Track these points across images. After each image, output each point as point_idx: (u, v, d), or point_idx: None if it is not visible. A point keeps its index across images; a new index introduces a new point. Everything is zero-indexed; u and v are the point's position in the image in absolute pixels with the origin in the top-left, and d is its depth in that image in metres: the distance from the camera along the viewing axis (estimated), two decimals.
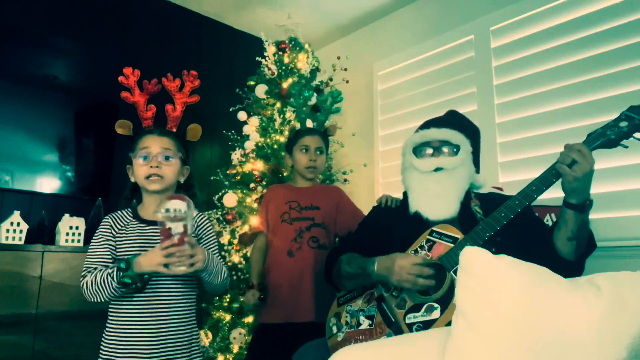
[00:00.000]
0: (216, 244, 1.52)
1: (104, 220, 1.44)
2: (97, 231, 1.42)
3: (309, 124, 2.18)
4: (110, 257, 1.37)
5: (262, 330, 1.92)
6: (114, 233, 1.40)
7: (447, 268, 1.28)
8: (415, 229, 1.42)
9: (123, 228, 1.41)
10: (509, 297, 0.83)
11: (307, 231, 1.94)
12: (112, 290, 1.28)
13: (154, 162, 1.40)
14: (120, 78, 1.49)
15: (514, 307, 0.82)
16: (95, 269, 1.33)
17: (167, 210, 1.20)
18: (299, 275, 1.89)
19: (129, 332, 1.33)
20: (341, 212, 2.03)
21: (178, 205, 1.21)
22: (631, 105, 1.23)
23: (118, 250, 1.39)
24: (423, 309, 1.26)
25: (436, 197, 1.42)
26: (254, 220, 2.12)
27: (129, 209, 1.47)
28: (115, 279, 1.27)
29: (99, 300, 1.31)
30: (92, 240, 1.41)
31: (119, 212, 1.46)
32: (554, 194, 1.31)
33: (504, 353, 0.80)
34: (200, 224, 1.50)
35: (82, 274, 1.34)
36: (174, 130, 1.52)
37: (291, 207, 1.98)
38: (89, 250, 1.39)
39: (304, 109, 2.38)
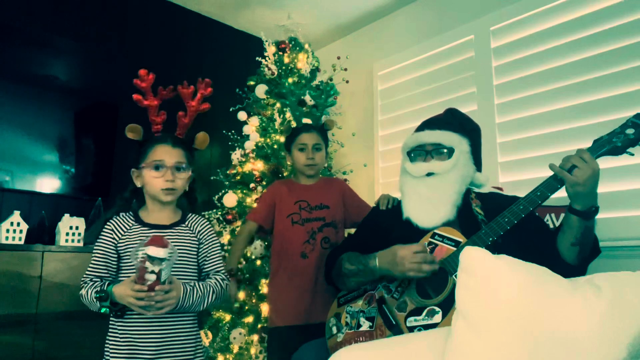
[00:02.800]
0: (219, 252, 1.51)
1: (107, 224, 1.43)
2: (99, 237, 1.42)
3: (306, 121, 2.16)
4: (105, 269, 1.38)
5: (279, 334, 1.88)
6: (118, 238, 1.40)
7: (449, 272, 1.28)
8: (411, 232, 1.41)
9: (126, 232, 1.41)
10: (509, 297, 0.83)
11: (319, 232, 1.91)
12: (98, 311, 1.31)
13: (168, 175, 1.41)
14: (135, 81, 1.48)
15: (514, 307, 0.82)
16: (91, 280, 1.35)
17: (149, 257, 1.19)
18: (314, 277, 1.87)
19: (133, 335, 1.33)
20: (346, 206, 2.02)
21: (156, 252, 1.19)
22: (638, 113, 1.21)
23: (124, 255, 1.39)
24: (424, 313, 1.25)
25: (427, 204, 1.41)
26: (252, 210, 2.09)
27: (130, 213, 1.46)
28: (97, 304, 1.29)
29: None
30: (94, 247, 1.41)
31: (120, 216, 1.45)
32: (554, 195, 1.30)
33: (504, 353, 0.80)
34: (202, 230, 1.49)
35: (81, 283, 1.35)
36: (182, 137, 1.52)
37: (301, 207, 1.95)
38: (91, 256, 1.39)
39: (298, 105, 2.37)
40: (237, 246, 2.00)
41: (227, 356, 2.35)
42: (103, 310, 1.28)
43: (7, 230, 2.21)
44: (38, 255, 2.16)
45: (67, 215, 2.40)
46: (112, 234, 1.40)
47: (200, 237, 1.48)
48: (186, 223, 1.48)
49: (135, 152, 1.47)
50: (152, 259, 1.20)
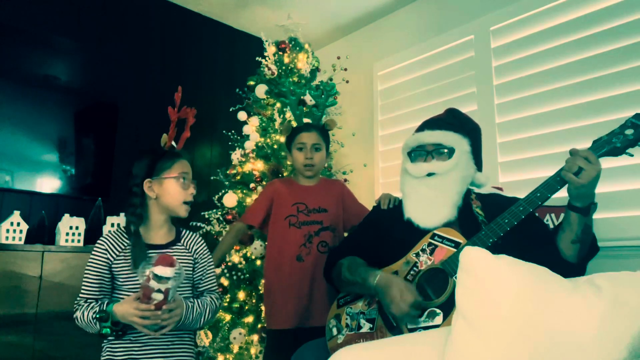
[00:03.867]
0: (213, 271, 1.51)
1: (99, 242, 1.38)
2: (91, 255, 1.36)
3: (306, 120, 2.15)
4: (99, 291, 1.34)
5: (276, 337, 1.88)
6: (112, 258, 1.35)
7: (450, 273, 1.27)
8: (411, 233, 1.41)
9: (122, 252, 1.36)
10: (508, 297, 0.83)
11: (316, 236, 1.90)
12: (98, 333, 1.29)
13: (192, 189, 1.43)
14: (176, 94, 1.52)
15: (514, 307, 0.82)
16: (86, 301, 1.31)
17: (156, 276, 1.18)
18: (309, 281, 1.86)
19: (133, 354, 1.32)
20: (344, 209, 2.01)
21: (164, 272, 1.18)
22: (637, 113, 1.21)
23: (120, 275, 1.35)
24: (425, 315, 1.25)
25: (427, 204, 1.41)
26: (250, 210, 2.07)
27: (123, 230, 1.41)
28: (97, 325, 1.27)
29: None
30: (86, 266, 1.35)
31: (113, 233, 1.40)
32: (554, 195, 1.30)
33: (504, 353, 0.80)
34: (198, 248, 1.49)
35: (75, 306, 1.33)
36: None
37: (299, 210, 1.93)
38: (83, 277, 1.35)
39: (298, 105, 2.37)
40: (224, 245, 1.99)
41: (227, 356, 2.35)
42: (104, 331, 1.25)
43: (7, 230, 2.21)
44: (38, 255, 2.16)
45: (67, 215, 2.41)
46: (105, 254, 1.35)
47: (197, 255, 1.47)
48: (182, 241, 1.47)
49: (144, 162, 1.41)
50: (159, 278, 1.18)
